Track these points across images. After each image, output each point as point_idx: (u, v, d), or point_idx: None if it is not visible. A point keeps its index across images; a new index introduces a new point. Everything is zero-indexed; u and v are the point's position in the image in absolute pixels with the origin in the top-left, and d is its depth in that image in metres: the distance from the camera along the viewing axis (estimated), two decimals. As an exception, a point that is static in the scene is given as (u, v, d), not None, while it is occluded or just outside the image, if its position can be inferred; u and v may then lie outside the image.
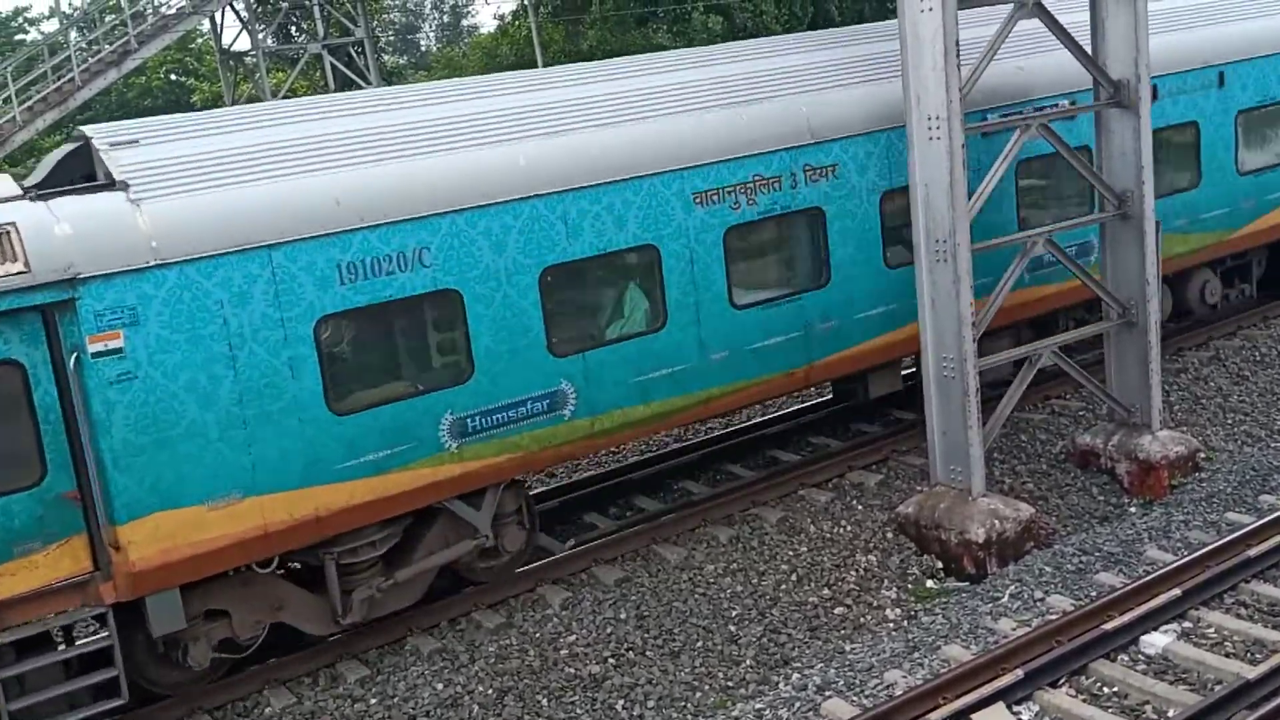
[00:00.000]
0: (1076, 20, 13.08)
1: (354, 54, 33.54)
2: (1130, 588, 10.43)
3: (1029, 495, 13.39)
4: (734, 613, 11.54)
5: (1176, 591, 10.27)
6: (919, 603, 11.79)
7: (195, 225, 9.59)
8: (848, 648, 11.05)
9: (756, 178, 12.23)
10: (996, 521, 12.12)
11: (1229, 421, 15.05)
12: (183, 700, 10.53)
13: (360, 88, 32.42)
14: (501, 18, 45.08)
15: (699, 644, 11.14)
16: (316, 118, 10.99)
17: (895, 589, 12.00)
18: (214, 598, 10.22)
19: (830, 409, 16.10)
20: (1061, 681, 9.48)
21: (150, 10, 31.53)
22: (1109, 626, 9.85)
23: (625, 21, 34.77)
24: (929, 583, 12.15)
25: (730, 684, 10.73)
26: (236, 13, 32.58)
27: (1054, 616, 10.43)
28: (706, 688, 10.68)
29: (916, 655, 10.35)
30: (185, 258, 9.47)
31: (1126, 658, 9.74)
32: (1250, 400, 15.47)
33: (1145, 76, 12.74)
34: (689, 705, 10.48)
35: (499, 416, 10.96)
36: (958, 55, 11.48)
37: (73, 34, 31.85)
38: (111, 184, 9.62)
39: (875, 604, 11.78)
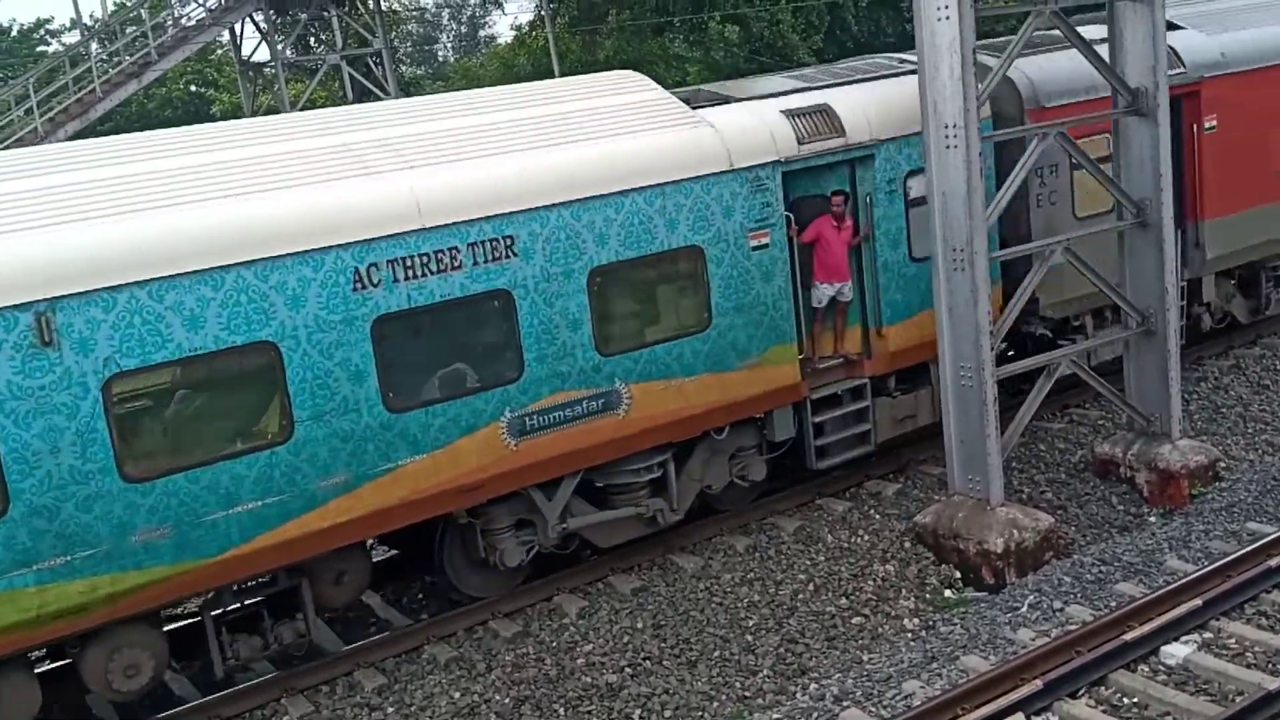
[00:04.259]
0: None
1: (372, 64, 33.70)
2: (1150, 598, 10.37)
3: (1048, 505, 13.32)
4: (751, 622, 11.51)
5: (1197, 602, 10.19)
6: (937, 613, 11.74)
7: None
8: (865, 658, 11.01)
9: None
10: (1015, 531, 12.06)
11: (1249, 430, 14.96)
12: (201, 709, 10.58)
13: (379, 98, 32.57)
14: (519, 28, 45.31)
15: (716, 653, 11.12)
16: None
17: (913, 599, 11.95)
18: None
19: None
20: (1081, 692, 9.41)
21: (170, 22, 31.77)
22: (1129, 637, 9.78)
23: (642, 31, 34.84)
24: (947, 592, 12.10)
25: (747, 694, 10.70)
26: (256, 24, 32.76)
27: (1073, 627, 10.37)
28: (723, 697, 10.65)
29: (935, 665, 10.30)
30: None
31: (1147, 668, 9.67)
32: (1271, 409, 15.37)
33: (1163, 84, 12.71)
34: (706, 715, 10.45)
35: None
36: (975, 63, 11.46)
37: (94, 45, 32.10)
38: None
39: (893, 614, 11.73)
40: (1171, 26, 14.66)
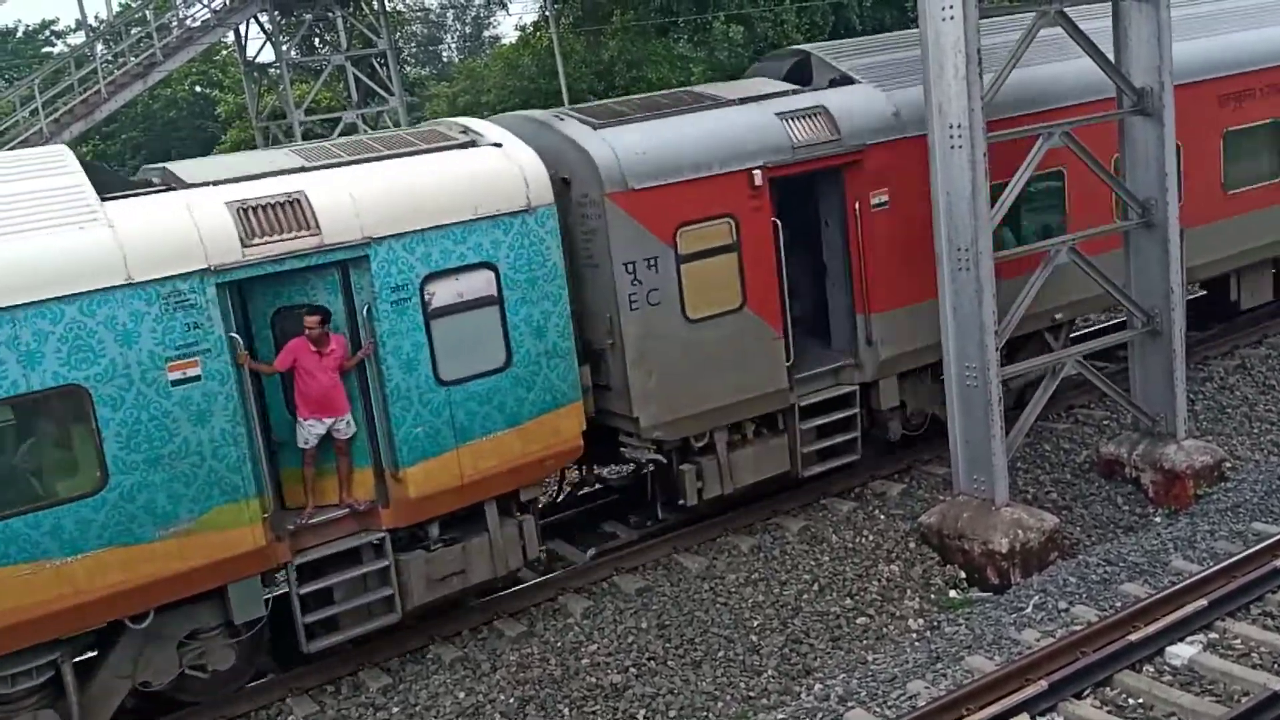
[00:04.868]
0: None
1: (377, 65, 33.71)
2: (1155, 598, 10.36)
3: (1053, 505, 13.32)
4: (755, 622, 11.51)
5: (1202, 602, 10.18)
6: (942, 613, 11.74)
7: None
8: (870, 658, 11.02)
9: None
10: (1020, 531, 12.06)
11: (1255, 430, 14.94)
12: (206, 709, 10.60)
13: (384, 99, 32.61)
14: (523, 28, 45.31)
15: (720, 654, 11.13)
16: None
17: (918, 599, 11.96)
18: None
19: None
20: (1086, 693, 9.40)
21: (175, 23, 31.81)
22: (1134, 637, 9.78)
23: (646, 31, 34.82)
24: (952, 593, 12.10)
25: (752, 694, 10.71)
26: (261, 25, 32.80)
27: (1079, 627, 10.37)
28: (728, 698, 10.66)
29: (939, 666, 10.30)
30: None
31: (1152, 669, 9.66)
32: (1277, 409, 15.35)
33: (1169, 84, 12.69)
34: (710, 715, 10.46)
35: None
36: (979, 63, 11.46)
37: (99, 46, 32.13)
38: None
39: (898, 614, 11.74)
40: (842, 80, 13.16)
